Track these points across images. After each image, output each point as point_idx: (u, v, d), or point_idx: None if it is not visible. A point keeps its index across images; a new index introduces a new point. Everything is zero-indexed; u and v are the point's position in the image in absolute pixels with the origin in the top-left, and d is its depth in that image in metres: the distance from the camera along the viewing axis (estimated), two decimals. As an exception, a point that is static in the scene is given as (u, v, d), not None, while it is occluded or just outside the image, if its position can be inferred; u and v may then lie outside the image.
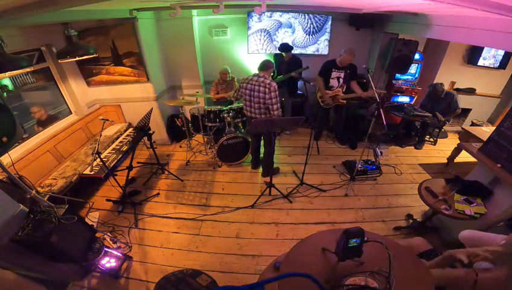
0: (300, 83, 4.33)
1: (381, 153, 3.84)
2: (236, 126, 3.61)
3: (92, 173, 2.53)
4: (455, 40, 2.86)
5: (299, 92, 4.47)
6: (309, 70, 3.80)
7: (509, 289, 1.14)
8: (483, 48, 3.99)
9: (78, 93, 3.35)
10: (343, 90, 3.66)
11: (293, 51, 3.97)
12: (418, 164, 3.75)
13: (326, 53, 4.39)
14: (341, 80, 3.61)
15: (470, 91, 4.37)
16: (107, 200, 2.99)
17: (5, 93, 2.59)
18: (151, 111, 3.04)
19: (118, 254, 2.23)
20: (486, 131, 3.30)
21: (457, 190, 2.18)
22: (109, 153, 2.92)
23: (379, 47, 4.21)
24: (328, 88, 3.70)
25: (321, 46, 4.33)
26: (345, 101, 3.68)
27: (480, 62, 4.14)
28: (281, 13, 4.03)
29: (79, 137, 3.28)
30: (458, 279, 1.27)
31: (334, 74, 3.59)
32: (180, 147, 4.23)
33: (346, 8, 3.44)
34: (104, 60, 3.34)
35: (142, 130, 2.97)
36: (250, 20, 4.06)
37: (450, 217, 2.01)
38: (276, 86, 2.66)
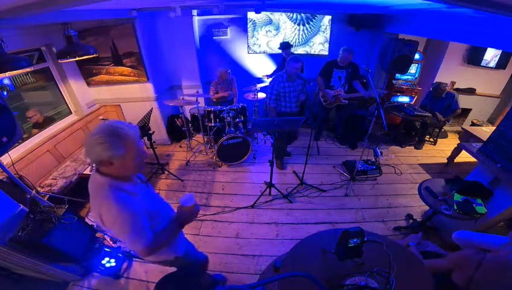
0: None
1: (381, 153, 3.83)
2: (236, 126, 3.61)
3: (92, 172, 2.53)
4: (455, 40, 2.86)
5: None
6: (310, 71, 3.79)
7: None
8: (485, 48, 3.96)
9: (78, 93, 3.34)
10: (345, 89, 3.66)
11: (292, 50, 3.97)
12: (418, 164, 3.75)
13: (326, 53, 4.39)
14: (342, 79, 3.62)
15: (470, 91, 4.37)
16: (107, 200, 2.98)
17: (5, 93, 2.59)
18: (151, 111, 3.04)
19: (118, 253, 2.23)
20: (486, 131, 3.30)
21: (457, 189, 2.18)
22: (109, 153, 2.91)
23: (379, 47, 4.20)
24: (329, 87, 3.71)
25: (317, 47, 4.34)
26: (346, 101, 3.69)
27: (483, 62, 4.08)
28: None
29: (79, 137, 3.27)
30: (466, 258, 1.28)
31: (336, 74, 3.61)
32: (180, 147, 4.23)
33: (346, 7, 3.44)
34: (104, 60, 3.33)
35: (142, 130, 2.97)
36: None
37: (450, 217, 2.01)
38: (271, 82, 2.98)
